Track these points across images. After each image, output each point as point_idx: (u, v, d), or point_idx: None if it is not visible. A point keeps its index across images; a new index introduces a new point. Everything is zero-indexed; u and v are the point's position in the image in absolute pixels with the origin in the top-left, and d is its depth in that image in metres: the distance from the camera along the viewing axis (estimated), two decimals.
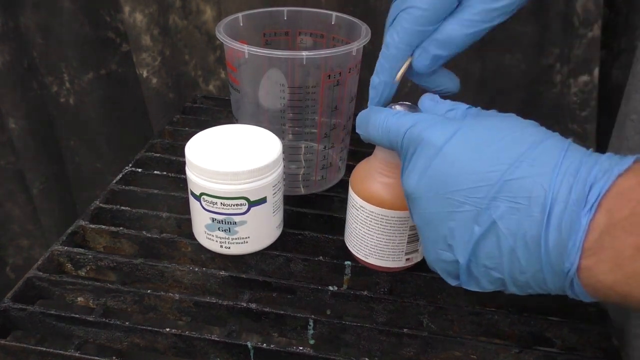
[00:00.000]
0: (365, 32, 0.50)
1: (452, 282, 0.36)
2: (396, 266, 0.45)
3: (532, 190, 0.30)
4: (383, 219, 0.42)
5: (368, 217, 0.43)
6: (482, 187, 0.31)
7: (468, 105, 0.37)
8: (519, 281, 0.32)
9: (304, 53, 0.46)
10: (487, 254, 0.32)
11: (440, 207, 0.33)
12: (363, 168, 0.44)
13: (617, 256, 0.28)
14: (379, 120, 0.38)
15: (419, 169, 0.34)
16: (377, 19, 0.70)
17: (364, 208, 0.43)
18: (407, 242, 0.43)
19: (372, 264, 0.45)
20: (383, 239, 0.43)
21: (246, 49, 0.46)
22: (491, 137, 0.32)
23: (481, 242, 0.32)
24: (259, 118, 0.51)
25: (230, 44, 0.47)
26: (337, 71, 0.49)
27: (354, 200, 0.43)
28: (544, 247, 0.30)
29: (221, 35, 0.49)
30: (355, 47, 0.48)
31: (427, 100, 0.38)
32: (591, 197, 0.29)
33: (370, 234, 0.44)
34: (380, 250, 0.44)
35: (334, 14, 0.54)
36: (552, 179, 0.30)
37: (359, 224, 0.44)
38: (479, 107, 0.37)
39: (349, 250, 0.46)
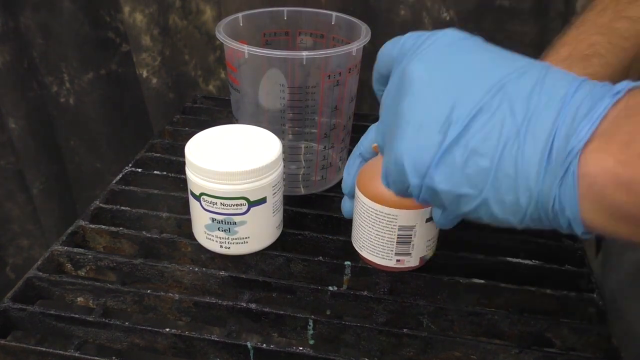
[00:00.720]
0: (365, 32, 0.50)
1: (418, 201, 0.31)
2: (387, 265, 0.45)
3: (514, 100, 0.28)
4: (373, 212, 0.43)
5: (362, 207, 0.44)
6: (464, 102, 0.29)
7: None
8: (506, 185, 0.28)
9: (304, 53, 0.46)
10: (482, 132, 0.28)
11: (430, 124, 0.29)
12: (369, 166, 0.45)
13: (630, 137, 0.25)
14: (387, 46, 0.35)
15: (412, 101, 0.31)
16: (377, 19, 0.71)
17: (359, 198, 0.44)
18: (397, 242, 0.44)
19: (365, 258, 0.46)
20: (373, 233, 0.44)
21: (246, 49, 0.46)
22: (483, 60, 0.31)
23: (479, 115, 0.28)
24: (259, 118, 0.51)
25: (230, 44, 0.47)
26: (337, 71, 0.49)
27: (357, 193, 0.45)
28: (553, 134, 0.27)
29: (221, 35, 0.49)
30: (355, 47, 0.48)
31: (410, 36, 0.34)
32: (618, 89, 0.26)
33: (363, 225, 0.45)
34: (371, 244, 0.45)
35: (334, 14, 0.54)
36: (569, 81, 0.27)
37: (357, 214, 0.45)
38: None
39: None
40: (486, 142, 0.28)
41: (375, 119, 0.65)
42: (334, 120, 0.52)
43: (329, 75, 0.49)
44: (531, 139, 0.27)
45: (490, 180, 0.28)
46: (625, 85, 0.27)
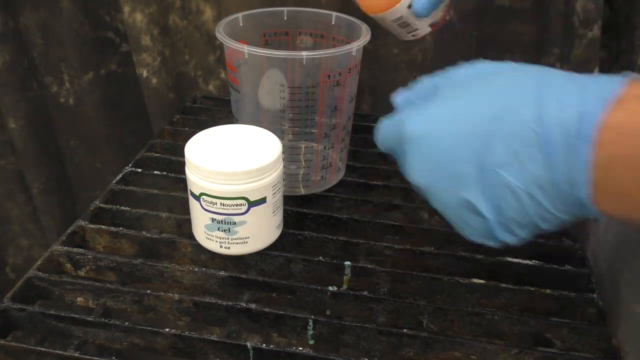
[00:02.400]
0: (365, 32, 0.50)
1: (494, 244, 0.36)
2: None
3: (525, 136, 0.31)
4: None
5: None
6: (478, 152, 0.32)
7: (431, 80, 0.37)
8: (547, 218, 0.33)
9: (304, 53, 0.46)
10: (509, 207, 0.33)
11: (450, 184, 0.34)
12: None
13: (619, 191, 0.29)
14: (381, 130, 0.39)
15: (415, 162, 0.36)
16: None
17: None
18: None
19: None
20: None
21: (246, 49, 0.46)
22: (472, 103, 0.33)
23: (498, 199, 0.33)
24: (259, 118, 0.51)
25: (230, 44, 0.47)
26: (337, 71, 0.49)
27: None
28: (557, 184, 0.31)
29: (221, 35, 0.49)
30: (355, 47, 0.48)
31: (399, 98, 0.39)
32: (586, 128, 0.29)
33: None
34: None
35: (334, 14, 0.54)
36: (540, 117, 0.30)
37: None
38: (441, 74, 0.37)
39: None
40: (515, 210, 0.33)
41: (376, 118, 0.64)
42: (333, 120, 0.52)
43: (329, 75, 0.49)
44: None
45: (539, 223, 0.33)
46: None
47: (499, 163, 0.32)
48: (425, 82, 0.38)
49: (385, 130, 0.38)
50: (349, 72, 0.50)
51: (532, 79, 0.32)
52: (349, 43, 0.49)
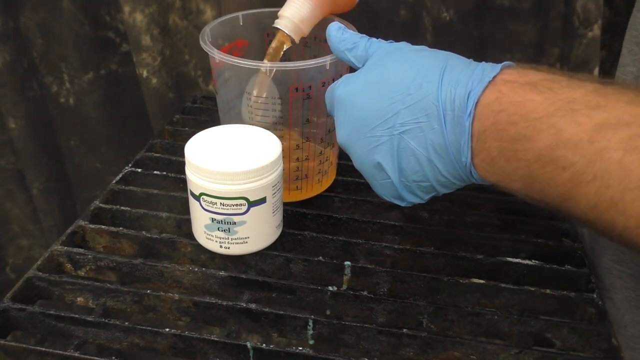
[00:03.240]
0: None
1: (401, 203, 0.42)
2: None
3: (427, 108, 0.37)
4: None
5: None
6: (389, 118, 0.38)
7: (368, 40, 0.43)
8: (443, 181, 0.39)
9: (267, 64, 0.47)
10: (411, 170, 0.39)
11: (366, 146, 0.40)
12: None
13: (488, 157, 0.35)
14: (326, 94, 0.45)
15: (340, 122, 0.42)
16: (377, 19, 0.71)
17: None
18: None
19: None
20: None
21: (216, 53, 0.47)
22: (387, 76, 0.39)
23: (403, 162, 0.39)
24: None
25: (204, 47, 0.48)
26: (307, 84, 0.48)
27: None
28: (449, 150, 0.36)
29: (204, 37, 0.49)
30: (329, 60, 0.46)
31: (333, 31, 0.44)
32: (470, 104, 0.35)
33: None
34: None
35: (336, 19, 0.53)
36: (438, 93, 0.36)
37: None
38: (378, 41, 0.43)
39: None
40: (416, 172, 0.39)
41: None
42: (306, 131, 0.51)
43: (324, 83, 0.48)
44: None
45: (436, 187, 0.40)
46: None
47: (405, 130, 0.38)
48: (357, 41, 0.43)
49: (326, 94, 0.44)
50: (323, 86, 0.48)
51: (438, 62, 0.37)
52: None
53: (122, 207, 0.52)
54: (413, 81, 0.37)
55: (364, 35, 0.44)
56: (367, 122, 0.39)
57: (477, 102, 0.35)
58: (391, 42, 0.42)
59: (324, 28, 0.45)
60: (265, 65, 0.47)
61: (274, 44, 0.49)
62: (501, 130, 0.34)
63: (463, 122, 0.35)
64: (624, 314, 0.48)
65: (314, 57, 0.50)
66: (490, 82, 0.35)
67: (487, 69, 0.36)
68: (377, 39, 0.43)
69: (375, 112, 0.39)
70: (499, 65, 0.36)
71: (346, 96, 0.41)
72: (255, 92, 0.48)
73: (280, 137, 0.47)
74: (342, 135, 0.42)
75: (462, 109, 0.35)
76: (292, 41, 0.49)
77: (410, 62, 0.39)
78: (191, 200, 0.46)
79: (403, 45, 0.42)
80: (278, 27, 0.48)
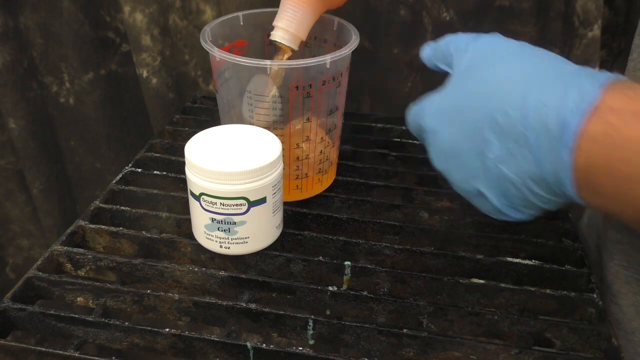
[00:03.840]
0: (353, 40, 0.49)
1: (509, 219, 0.40)
2: None
3: (515, 136, 0.34)
4: None
5: None
6: (481, 148, 0.36)
7: (451, 43, 0.41)
8: (547, 201, 0.36)
9: (268, 62, 0.46)
10: (514, 197, 0.37)
11: (464, 174, 0.39)
12: None
13: (599, 193, 0.33)
14: (407, 120, 0.45)
15: (434, 151, 0.41)
16: (377, 19, 0.71)
17: None
18: None
19: None
20: None
21: (216, 51, 0.47)
22: (471, 100, 0.37)
23: (503, 190, 0.37)
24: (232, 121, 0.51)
25: (205, 45, 0.48)
26: (307, 83, 0.48)
27: None
28: (549, 181, 0.34)
29: (205, 36, 0.49)
30: (329, 59, 0.46)
31: (427, 50, 0.43)
32: (568, 135, 0.32)
33: None
34: None
35: (336, 19, 0.53)
36: (526, 120, 0.33)
37: None
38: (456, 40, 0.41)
39: None
40: (518, 199, 0.38)
41: (376, 118, 0.65)
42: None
43: (324, 82, 0.48)
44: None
45: (539, 205, 0.37)
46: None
47: (498, 158, 0.36)
48: (441, 45, 0.42)
49: (409, 121, 0.44)
50: (342, 77, 0.48)
51: (519, 75, 0.35)
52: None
53: (122, 207, 0.52)
54: (497, 107, 0.35)
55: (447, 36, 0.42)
56: (460, 153, 0.38)
57: (578, 133, 0.31)
58: (476, 36, 0.40)
59: (324, 28, 0.45)
60: (266, 63, 0.47)
61: (279, 57, 0.49)
62: (615, 168, 0.31)
63: (560, 154, 0.32)
64: (631, 320, 0.47)
65: (314, 56, 0.50)
66: (591, 109, 0.31)
67: (587, 90, 0.32)
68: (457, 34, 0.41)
69: (467, 143, 0.37)
70: (598, 84, 0.32)
71: (435, 126, 0.40)
72: (269, 93, 0.48)
73: (281, 137, 0.47)
74: (438, 164, 0.41)
75: (558, 140, 0.32)
76: (292, 49, 0.49)
77: (489, 82, 0.36)
78: (191, 200, 0.46)
79: (486, 48, 0.39)
80: (275, 40, 0.48)
